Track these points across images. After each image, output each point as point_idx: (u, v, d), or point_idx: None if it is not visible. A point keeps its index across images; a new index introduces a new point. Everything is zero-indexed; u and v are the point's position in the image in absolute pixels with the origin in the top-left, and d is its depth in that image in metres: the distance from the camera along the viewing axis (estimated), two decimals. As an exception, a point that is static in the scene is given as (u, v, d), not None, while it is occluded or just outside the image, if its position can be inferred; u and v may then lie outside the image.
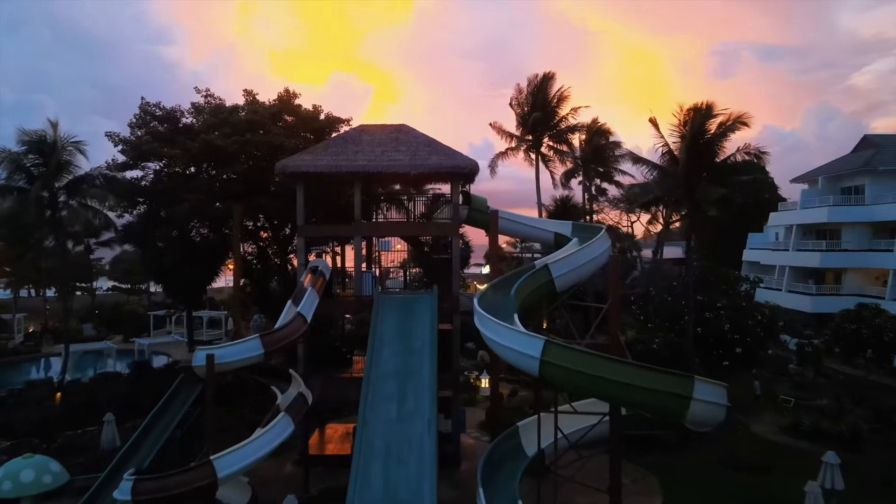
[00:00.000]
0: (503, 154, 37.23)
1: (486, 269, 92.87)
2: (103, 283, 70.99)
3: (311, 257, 25.22)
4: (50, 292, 66.69)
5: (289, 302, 19.29)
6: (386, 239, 25.51)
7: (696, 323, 26.76)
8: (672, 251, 60.75)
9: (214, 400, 15.78)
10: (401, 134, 24.08)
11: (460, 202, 22.78)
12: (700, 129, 23.80)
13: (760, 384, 28.63)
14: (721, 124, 24.28)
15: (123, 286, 65.02)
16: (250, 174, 25.44)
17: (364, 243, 25.25)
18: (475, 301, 16.76)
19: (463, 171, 22.27)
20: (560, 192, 40.17)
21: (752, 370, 28.73)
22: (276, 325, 17.43)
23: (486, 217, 23.25)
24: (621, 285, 17.28)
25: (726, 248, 51.81)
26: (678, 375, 13.25)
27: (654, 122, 25.46)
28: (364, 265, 27.15)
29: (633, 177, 41.78)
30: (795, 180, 49.68)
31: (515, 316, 16.20)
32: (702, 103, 23.91)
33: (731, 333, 27.11)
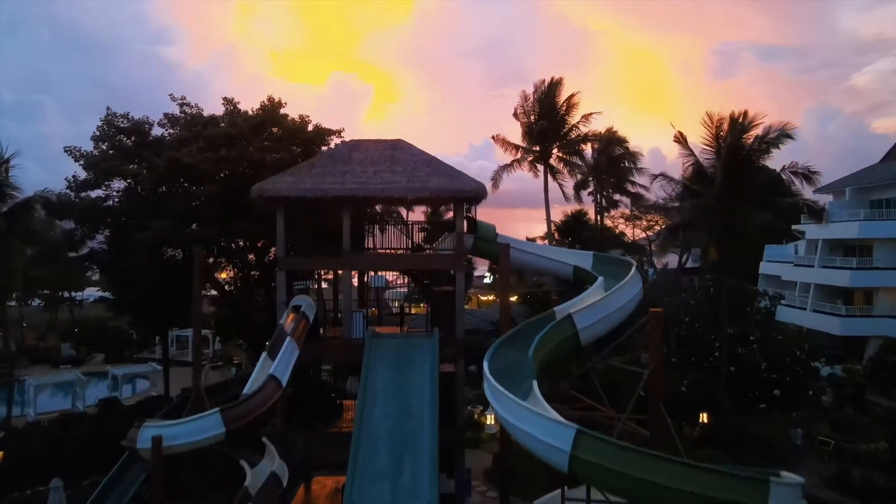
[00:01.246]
0: (508, 166, 34.32)
1: (488, 279, 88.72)
2: (91, 294, 67.80)
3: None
4: (35, 302, 63.24)
5: (263, 354, 16.34)
6: (381, 274, 22.52)
7: (728, 359, 23.84)
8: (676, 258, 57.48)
9: (163, 488, 12.79)
10: (397, 151, 21.09)
11: (464, 230, 19.84)
12: (737, 143, 20.83)
13: (802, 432, 25.55)
14: (758, 137, 21.32)
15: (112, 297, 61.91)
16: (227, 194, 22.52)
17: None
18: (485, 364, 13.83)
19: (468, 195, 19.32)
20: (571, 206, 37.25)
21: (792, 413, 25.70)
22: (244, 392, 14.44)
23: (494, 247, 20.31)
24: (663, 343, 14.28)
25: (740, 259, 48.44)
26: (749, 480, 10.33)
27: (681, 137, 22.51)
28: (356, 283, 24.22)
29: (646, 188, 39.06)
30: (819, 191, 46.62)
31: (535, 385, 13.28)
32: (738, 113, 20.96)
33: (767, 372, 24.14)
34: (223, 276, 27.34)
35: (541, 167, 34.06)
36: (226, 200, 22.27)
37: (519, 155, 34.01)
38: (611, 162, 36.88)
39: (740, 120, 20.73)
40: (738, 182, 20.73)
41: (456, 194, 19.28)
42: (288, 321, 18.93)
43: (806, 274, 44.70)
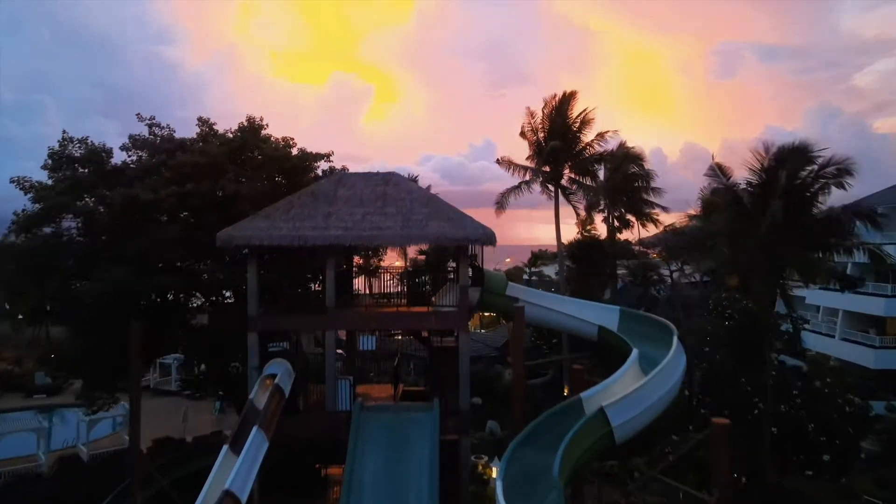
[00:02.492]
0: (516, 189, 31.28)
1: None
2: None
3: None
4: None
5: (225, 448, 13.35)
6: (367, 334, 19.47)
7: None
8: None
9: None
10: (390, 187, 18.10)
11: (469, 283, 16.85)
12: (793, 177, 17.90)
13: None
14: (813, 172, 18.39)
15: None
16: (196, 233, 19.52)
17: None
18: (498, 483, 10.87)
19: (473, 243, 16.36)
20: (579, 233, 34.23)
21: (841, 479, 22.64)
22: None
23: (504, 302, 17.41)
24: (731, 468, 11.27)
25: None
26: None
27: (719, 167, 19.56)
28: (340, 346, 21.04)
29: (665, 209, 36.18)
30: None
31: (563, 513, 10.28)
32: (795, 143, 18.02)
33: (814, 433, 21.16)
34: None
35: (551, 188, 31.03)
36: (194, 240, 19.23)
37: (527, 177, 30.97)
38: (625, 180, 33.88)
39: (798, 150, 17.75)
40: (791, 223, 17.76)
41: (459, 243, 16.30)
42: (263, 391, 16.00)
43: (833, 299, 41.58)
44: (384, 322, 17.68)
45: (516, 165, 31.17)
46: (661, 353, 14.40)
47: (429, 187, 34.61)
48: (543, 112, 30.89)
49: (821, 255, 18.63)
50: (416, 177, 39.21)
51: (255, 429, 13.56)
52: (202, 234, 19.41)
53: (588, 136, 31.17)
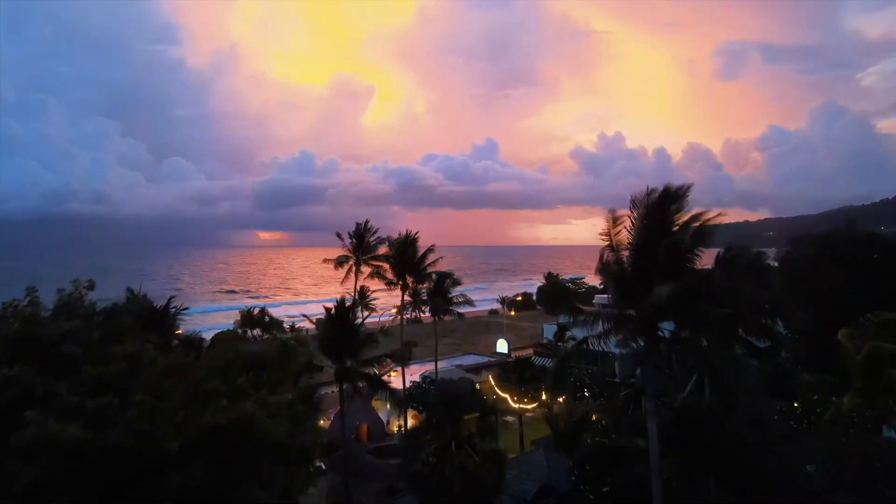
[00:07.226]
0: (580, 345, 18.47)
1: (501, 345, 67.92)
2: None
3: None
4: None
5: None
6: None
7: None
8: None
9: None
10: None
11: None
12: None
13: None
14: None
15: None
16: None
17: None
18: None
19: None
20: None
21: None
22: None
23: None
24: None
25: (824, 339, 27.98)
26: None
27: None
28: None
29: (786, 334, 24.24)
30: None
31: None
32: None
33: None
34: None
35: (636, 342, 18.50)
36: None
37: (602, 325, 18.26)
38: (738, 314, 21.37)
39: None
40: None
41: None
42: None
43: None
44: None
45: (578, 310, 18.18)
46: None
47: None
48: (632, 217, 18.19)
49: None
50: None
51: None
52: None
53: (698, 253, 18.60)
